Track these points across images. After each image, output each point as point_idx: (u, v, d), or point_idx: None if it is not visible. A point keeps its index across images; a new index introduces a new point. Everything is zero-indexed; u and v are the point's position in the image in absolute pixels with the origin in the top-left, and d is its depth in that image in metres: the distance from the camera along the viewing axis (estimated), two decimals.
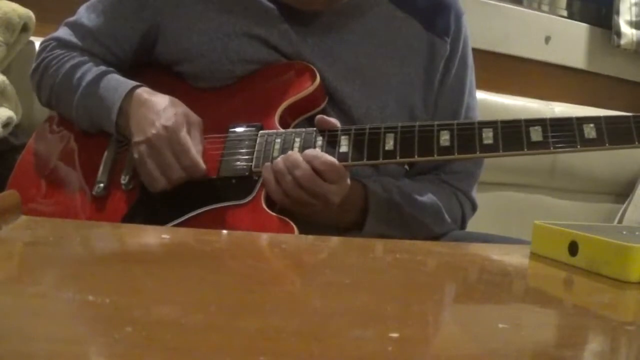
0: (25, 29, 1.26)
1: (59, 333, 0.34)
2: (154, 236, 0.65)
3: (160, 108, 0.88)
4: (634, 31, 1.91)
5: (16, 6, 1.25)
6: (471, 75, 1.06)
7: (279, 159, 0.85)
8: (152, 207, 0.90)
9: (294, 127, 0.92)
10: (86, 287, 0.42)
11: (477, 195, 1.08)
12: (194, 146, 0.87)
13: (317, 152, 0.84)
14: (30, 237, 0.56)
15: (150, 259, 0.54)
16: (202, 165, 0.87)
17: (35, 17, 1.28)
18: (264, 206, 0.85)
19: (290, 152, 0.85)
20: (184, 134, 0.86)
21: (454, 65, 1.02)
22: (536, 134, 0.82)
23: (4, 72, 1.23)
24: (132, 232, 0.69)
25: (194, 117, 0.90)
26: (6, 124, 1.14)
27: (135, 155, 0.87)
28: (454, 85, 1.02)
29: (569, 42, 1.92)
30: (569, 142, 0.82)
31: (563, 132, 0.82)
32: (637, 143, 0.81)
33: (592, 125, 0.82)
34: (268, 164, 0.86)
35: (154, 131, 0.85)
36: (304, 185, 0.82)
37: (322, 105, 0.94)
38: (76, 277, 0.46)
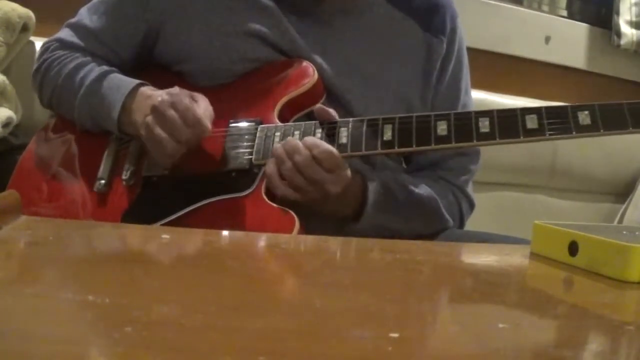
0: (25, 29, 1.26)
1: (59, 333, 0.34)
2: (154, 236, 0.65)
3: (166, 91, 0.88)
4: (634, 31, 1.91)
5: (16, 6, 1.25)
6: (466, 75, 1.08)
7: (278, 144, 0.86)
8: (153, 201, 0.90)
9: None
10: (86, 287, 0.42)
11: (477, 196, 1.09)
12: (200, 108, 0.86)
13: (316, 140, 0.85)
14: (30, 237, 0.56)
15: (150, 259, 0.54)
16: (207, 123, 0.86)
17: (35, 17, 1.28)
18: (265, 198, 0.86)
19: (289, 138, 0.86)
20: (187, 98, 0.86)
21: (451, 64, 1.03)
22: (532, 122, 0.83)
23: (4, 72, 1.23)
24: (132, 232, 0.69)
25: (201, 95, 0.89)
26: (6, 124, 1.14)
27: (143, 132, 0.87)
28: (450, 84, 1.04)
29: (569, 42, 1.92)
30: (564, 129, 0.82)
31: (558, 119, 0.82)
32: (631, 128, 0.81)
33: (586, 112, 0.82)
34: (273, 158, 0.86)
35: (158, 99, 0.86)
36: (303, 170, 0.83)
37: (321, 101, 0.95)
38: (76, 277, 0.46)
